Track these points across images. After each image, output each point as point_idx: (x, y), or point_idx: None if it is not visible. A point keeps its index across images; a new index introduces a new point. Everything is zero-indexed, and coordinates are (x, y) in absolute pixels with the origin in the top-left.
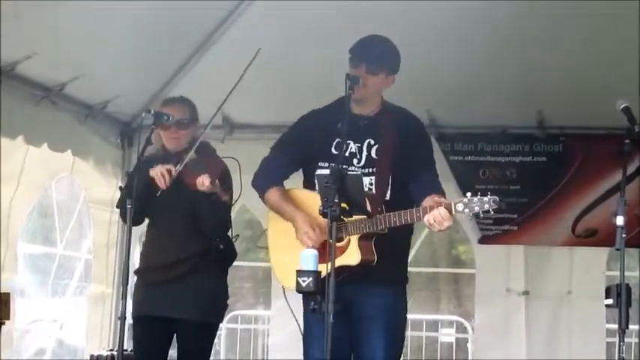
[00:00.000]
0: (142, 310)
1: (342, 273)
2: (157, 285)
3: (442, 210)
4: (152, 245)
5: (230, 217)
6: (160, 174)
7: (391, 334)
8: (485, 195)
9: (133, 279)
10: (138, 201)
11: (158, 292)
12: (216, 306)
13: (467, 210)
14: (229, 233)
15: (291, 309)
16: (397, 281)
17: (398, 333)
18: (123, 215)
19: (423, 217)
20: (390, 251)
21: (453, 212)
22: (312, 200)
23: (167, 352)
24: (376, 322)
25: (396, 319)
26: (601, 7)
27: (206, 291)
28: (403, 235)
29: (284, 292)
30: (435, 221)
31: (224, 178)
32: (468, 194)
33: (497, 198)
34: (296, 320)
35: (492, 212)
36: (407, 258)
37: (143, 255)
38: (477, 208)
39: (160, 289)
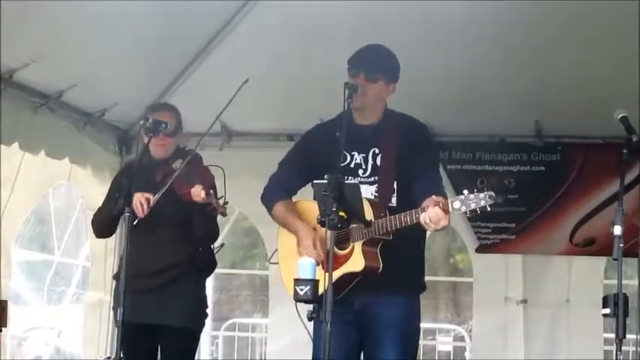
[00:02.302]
0: (127, 317)
1: (348, 280)
2: (140, 292)
3: (437, 209)
4: (135, 252)
5: (218, 227)
6: (138, 203)
7: (403, 344)
8: (482, 191)
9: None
10: (112, 219)
11: (143, 299)
12: (199, 313)
13: (463, 207)
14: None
15: (300, 316)
16: (410, 290)
17: (410, 343)
18: (98, 226)
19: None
20: (401, 260)
21: (450, 210)
22: (317, 210)
23: (156, 357)
24: (388, 332)
25: (409, 329)
26: (600, 17)
27: (190, 298)
28: (414, 242)
29: (296, 303)
30: (430, 220)
31: (212, 187)
32: (465, 191)
33: (492, 193)
34: (305, 327)
35: (489, 209)
36: (420, 266)
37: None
38: (473, 205)
39: (144, 296)
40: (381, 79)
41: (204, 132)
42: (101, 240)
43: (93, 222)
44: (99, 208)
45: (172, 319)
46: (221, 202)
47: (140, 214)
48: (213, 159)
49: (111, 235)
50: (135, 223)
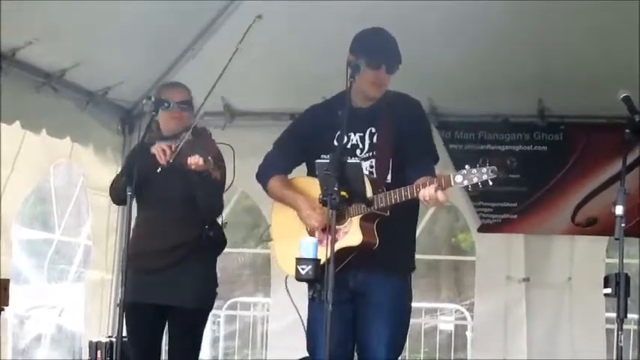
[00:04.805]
0: (133, 296)
1: (345, 255)
2: (149, 272)
3: (439, 192)
4: (143, 231)
5: (222, 200)
6: (160, 149)
7: (396, 324)
8: (484, 166)
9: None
10: (131, 177)
11: (150, 279)
12: (208, 293)
13: (465, 181)
14: (219, 220)
15: (291, 299)
16: (403, 270)
17: (403, 323)
18: (116, 195)
19: (419, 192)
20: (395, 239)
21: (452, 184)
22: (314, 186)
23: (161, 338)
24: (381, 312)
25: (402, 309)
26: None
27: (198, 278)
28: (408, 222)
29: (286, 281)
30: (429, 198)
31: (216, 159)
32: (467, 166)
33: (494, 168)
34: (297, 311)
35: (491, 183)
36: (412, 246)
37: (133, 240)
38: (475, 179)
39: (152, 276)
40: (396, 70)
41: (202, 103)
42: (103, 219)
43: (110, 190)
44: (115, 177)
45: (181, 300)
46: (229, 181)
47: (163, 160)
48: (215, 138)
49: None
50: (158, 170)
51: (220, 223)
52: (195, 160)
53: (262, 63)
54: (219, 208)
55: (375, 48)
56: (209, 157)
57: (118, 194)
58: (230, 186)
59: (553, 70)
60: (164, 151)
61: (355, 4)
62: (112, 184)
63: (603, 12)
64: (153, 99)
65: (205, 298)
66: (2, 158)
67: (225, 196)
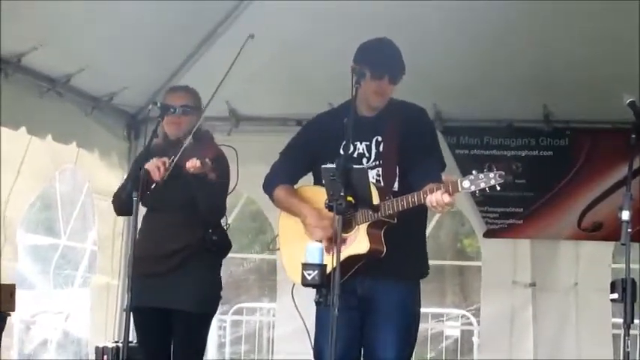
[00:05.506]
0: (138, 301)
1: (352, 263)
2: (152, 276)
3: (445, 196)
4: (147, 235)
5: (225, 203)
6: (154, 167)
7: (404, 332)
8: (491, 170)
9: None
10: (137, 182)
11: (153, 283)
12: (211, 297)
13: (473, 186)
14: (222, 223)
15: (296, 307)
16: (412, 277)
17: (411, 329)
18: (118, 205)
19: (426, 198)
20: (403, 246)
21: (460, 190)
22: (321, 194)
23: (170, 341)
24: (389, 319)
25: (410, 316)
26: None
27: (201, 282)
28: (417, 228)
29: (292, 289)
30: (437, 204)
31: (217, 161)
32: (474, 171)
33: (502, 172)
34: (301, 318)
35: (499, 188)
36: (423, 252)
37: (137, 245)
38: (482, 184)
39: (154, 280)
40: (401, 79)
41: (203, 110)
42: (108, 224)
43: (113, 201)
44: (119, 187)
45: (184, 304)
46: (232, 184)
47: (157, 177)
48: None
49: (131, 214)
50: (152, 187)
51: (224, 224)
52: (192, 164)
53: (268, 67)
54: (221, 210)
55: (378, 58)
56: (206, 160)
57: (120, 205)
58: (234, 189)
59: (558, 75)
60: (158, 168)
61: (362, 12)
62: (115, 195)
63: (608, 17)
64: (159, 104)
65: (209, 302)
66: (9, 164)
67: (230, 201)
